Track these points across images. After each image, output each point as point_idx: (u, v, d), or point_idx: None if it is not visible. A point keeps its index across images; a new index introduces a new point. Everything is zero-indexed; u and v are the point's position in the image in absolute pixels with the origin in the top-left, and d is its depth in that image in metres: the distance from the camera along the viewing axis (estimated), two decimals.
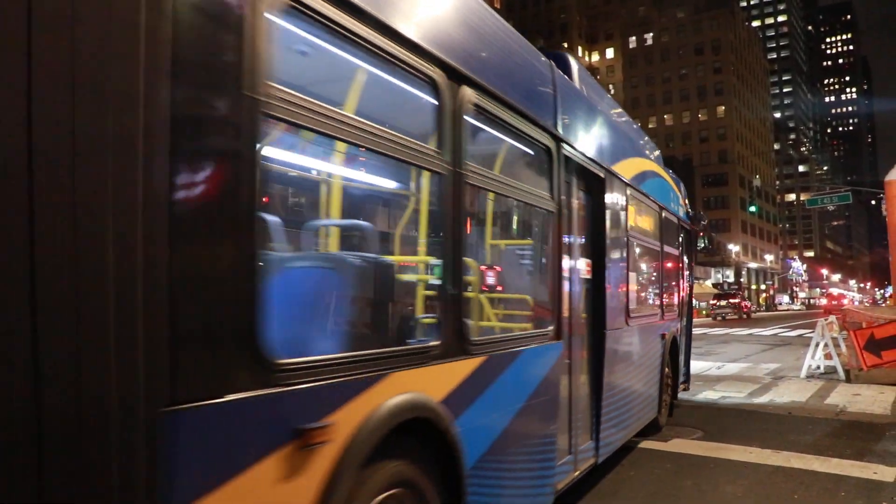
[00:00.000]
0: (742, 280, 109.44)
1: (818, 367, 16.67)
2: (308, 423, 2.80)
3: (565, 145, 5.82)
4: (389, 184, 5.35)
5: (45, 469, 2.15)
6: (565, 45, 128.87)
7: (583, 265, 6.73)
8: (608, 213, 7.13)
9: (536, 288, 6.24)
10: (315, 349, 3.56)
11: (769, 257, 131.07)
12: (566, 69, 6.58)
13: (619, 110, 8.73)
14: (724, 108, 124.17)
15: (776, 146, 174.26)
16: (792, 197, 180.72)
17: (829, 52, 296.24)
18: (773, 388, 14.40)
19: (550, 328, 5.49)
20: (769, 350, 23.13)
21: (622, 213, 7.73)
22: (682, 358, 11.52)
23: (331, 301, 3.84)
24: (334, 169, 4.77)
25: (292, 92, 2.79)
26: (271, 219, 3.21)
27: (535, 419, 5.13)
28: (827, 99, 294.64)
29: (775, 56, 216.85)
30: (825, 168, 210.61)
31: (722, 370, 17.76)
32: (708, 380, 15.62)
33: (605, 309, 6.91)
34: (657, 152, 10.56)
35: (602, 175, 6.97)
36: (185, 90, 2.34)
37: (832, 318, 18.14)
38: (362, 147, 3.31)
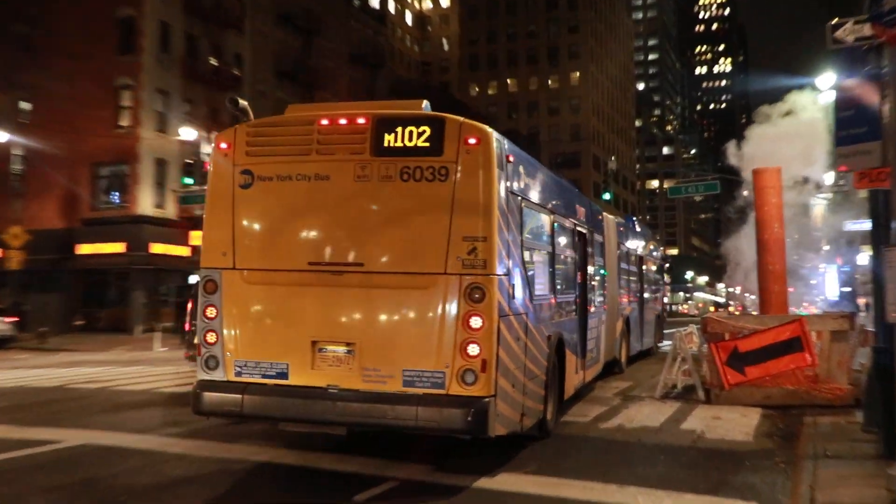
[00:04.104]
0: None
1: (675, 386, 17.45)
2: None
3: (647, 261, 28.25)
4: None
5: None
6: None
7: (652, 288, 29.52)
8: (661, 268, 34.05)
9: (650, 294, 28.91)
10: None
11: None
12: (634, 224, 27.17)
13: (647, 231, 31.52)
14: (578, 74, 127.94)
15: (638, 123, 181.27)
16: (654, 184, 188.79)
17: (701, 15, 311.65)
18: (622, 410, 14.97)
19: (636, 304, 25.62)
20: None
21: (658, 267, 32.42)
22: (662, 323, 32.14)
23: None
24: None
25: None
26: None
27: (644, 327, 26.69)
28: (698, 70, 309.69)
29: (641, 16, 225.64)
30: (693, 151, 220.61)
31: None
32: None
33: (644, 301, 26.26)
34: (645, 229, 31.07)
35: (642, 255, 26.73)
36: None
37: (692, 328, 19.01)
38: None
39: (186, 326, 20.77)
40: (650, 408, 15.31)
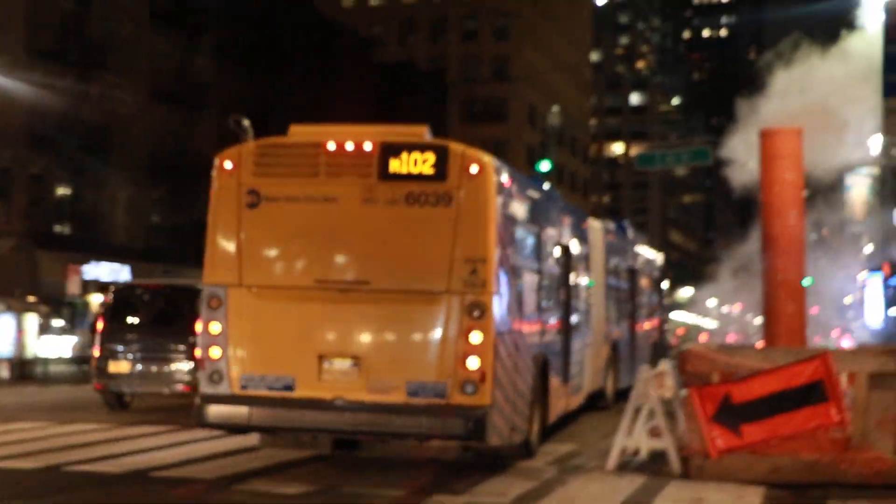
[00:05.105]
0: None
1: (637, 452, 17.52)
2: None
3: (641, 276, 36.27)
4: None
5: None
6: None
7: (648, 309, 38.70)
8: (660, 285, 44.62)
9: (645, 316, 37.38)
10: None
11: None
12: (626, 231, 35.00)
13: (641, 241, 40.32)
14: None
15: (595, 56, 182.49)
16: (617, 149, 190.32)
17: None
18: (558, 487, 15.02)
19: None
20: None
21: (656, 283, 42.45)
22: (661, 351, 37.65)
23: None
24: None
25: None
26: None
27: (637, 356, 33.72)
28: None
29: None
30: (675, 101, 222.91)
31: None
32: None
33: (637, 324, 34.36)
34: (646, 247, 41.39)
35: (635, 269, 34.88)
36: None
37: (664, 365, 19.11)
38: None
39: (95, 351, 26.80)
40: (599, 484, 15.36)
